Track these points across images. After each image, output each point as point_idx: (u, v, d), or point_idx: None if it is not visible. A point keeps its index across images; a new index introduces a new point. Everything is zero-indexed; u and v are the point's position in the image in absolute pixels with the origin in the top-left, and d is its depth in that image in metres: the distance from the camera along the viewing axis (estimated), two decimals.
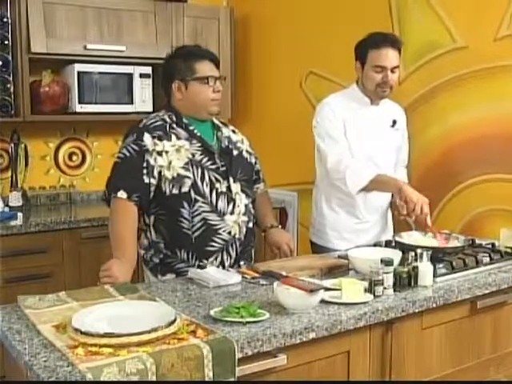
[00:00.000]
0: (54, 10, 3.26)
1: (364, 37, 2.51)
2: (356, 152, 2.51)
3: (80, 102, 3.37)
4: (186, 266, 2.14)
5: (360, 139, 2.53)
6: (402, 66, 2.49)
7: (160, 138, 2.13)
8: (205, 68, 2.21)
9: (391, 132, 2.63)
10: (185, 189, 2.12)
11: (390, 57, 2.43)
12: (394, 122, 2.63)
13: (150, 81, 3.57)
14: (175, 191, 2.12)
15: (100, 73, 3.43)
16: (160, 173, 2.11)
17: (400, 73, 2.54)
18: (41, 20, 3.22)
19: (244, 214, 2.23)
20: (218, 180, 2.18)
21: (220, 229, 2.16)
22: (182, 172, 2.12)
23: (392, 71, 2.44)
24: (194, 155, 2.15)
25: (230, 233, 2.18)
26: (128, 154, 2.13)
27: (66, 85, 3.41)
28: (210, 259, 2.16)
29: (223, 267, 2.17)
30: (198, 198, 2.13)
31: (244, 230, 2.23)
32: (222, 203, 2.17)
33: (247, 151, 2.37)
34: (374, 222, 2.62)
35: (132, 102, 3.54)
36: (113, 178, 2.15)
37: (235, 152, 2.29)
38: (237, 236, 2.20)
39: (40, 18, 3.22)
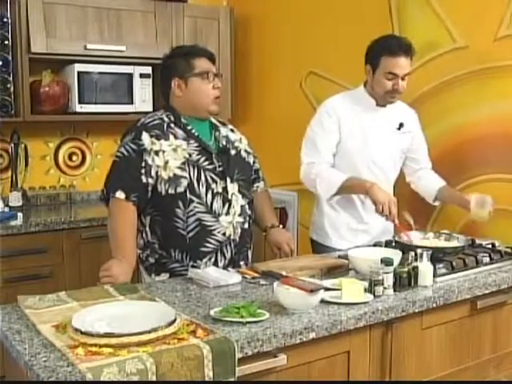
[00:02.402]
0: (54, 9, 3.26)
1: (376, 39, 2.46)
2: (358, 155, 2.51)
3: (80, 102, 3.37)
4: (180, 266, 2.14)
5: (363, 142, 2.51)
6: None
7: (158, 137, 2.12)
8: (203, 64, 2.20)
9: (397, 135, 2.58)
10: (180, 189, 2.11)
11: (403, 65, 2.39)
12: (401, 125, 2.58)
13: (150, 81, 3.57)
14: (171, 191, 2.11)
15: (100, 73, 3.43)
16: (157, 173, 2.10)
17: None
18: (41, 20, 3.22)
19: (240, 215, 2.21)
20: (214, 180, 2.16)
21: (214, 230, 2.15)
22: (179, 172, 2.11)
23: (402, 78, 2.42)
24: (190, 155, 2.14)
25: (224, 234, 2.17)
26: (126, 153, 2.12)
27: (66, 85, 3.41)
28: (204, 260, 2.15)
29: None
30: (194, 198, 2.12)
31: (239, 231, 2.21)
32: (217, 204, 2.16)
33: (245, 150, 2.36)
34: (374, 223, 2.61)
35: (132, 102, 3.54)
36: (111, 177, 2.14)
37: (233, 152, 2.28)
38: (231, 237, 2.19)
39: (40, 18, 3.22)
